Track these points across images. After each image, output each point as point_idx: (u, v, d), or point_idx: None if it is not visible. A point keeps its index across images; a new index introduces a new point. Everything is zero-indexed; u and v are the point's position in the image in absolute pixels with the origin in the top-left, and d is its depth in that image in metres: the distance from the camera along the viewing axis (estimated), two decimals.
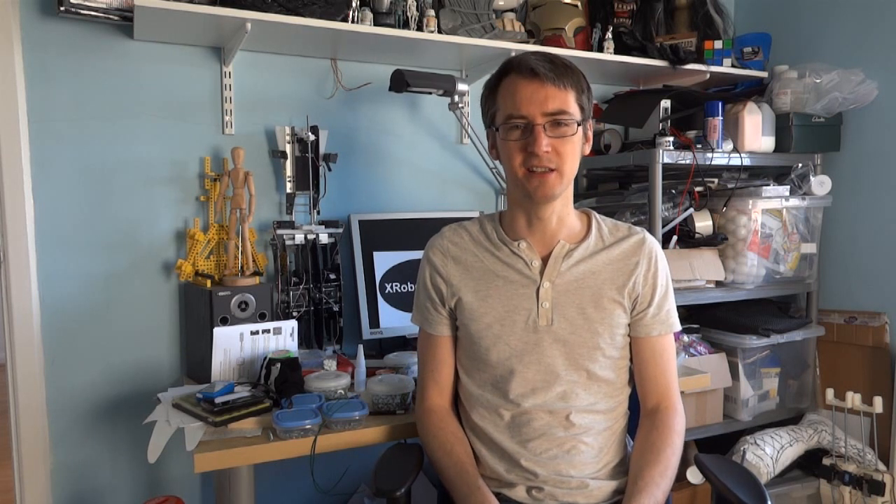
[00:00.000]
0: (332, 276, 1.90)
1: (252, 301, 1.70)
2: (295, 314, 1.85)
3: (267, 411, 1.40)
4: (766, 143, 2.24)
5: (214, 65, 1.90)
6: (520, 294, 1.25)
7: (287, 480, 2.03)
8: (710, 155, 2.08)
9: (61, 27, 1.73)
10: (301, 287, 1.87)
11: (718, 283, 2.18)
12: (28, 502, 1.73)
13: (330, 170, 1.98)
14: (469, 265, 1.29)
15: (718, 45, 2.32)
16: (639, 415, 1.30)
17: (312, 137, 1.92)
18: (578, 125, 1.20)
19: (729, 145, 2.17)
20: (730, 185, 2.21)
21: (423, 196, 2.22)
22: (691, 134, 2.12)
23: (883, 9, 2.21)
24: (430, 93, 1.98)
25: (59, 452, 1.77)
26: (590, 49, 2.20)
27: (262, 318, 1.71)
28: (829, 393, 2.18)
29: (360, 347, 1.66)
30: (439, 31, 1.97)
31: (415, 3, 1.95)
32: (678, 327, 1.30)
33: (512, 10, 2.20)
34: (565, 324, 1.23)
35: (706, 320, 2.26)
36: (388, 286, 2.00)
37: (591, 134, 1.27)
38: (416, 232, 1.99)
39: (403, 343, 1.96)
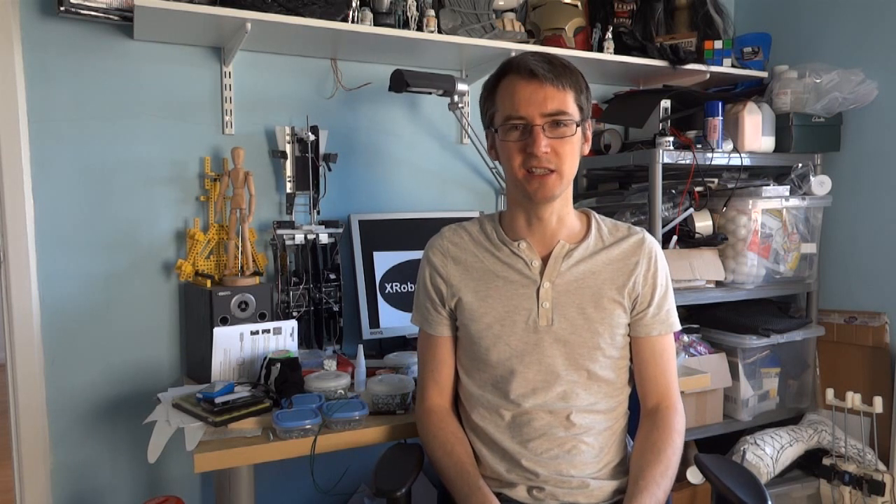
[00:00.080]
0: (332, 276, 1.90)
1: (252, 301, 1.70)
2: (295, 314, 1.85)
3: (267, 411, 1.40)
4: (766, 143, 2.24)
5: (214, 65, 1.90)
6: (520, 294, 1.25)
7: (287, 480, 2.03)
8: (710, 155, 2.08)
9: (61, 27, 1.73)
10: (301, 287, 1.87)
11: (718, 283, 2.18)
12: (28, 502, 1.73)
13: (330, 170, 1.98)
14: (469, 265, 1.29)
15: (718, 45, 2.32)
16: (639, 415, 1.30)
17: (312, 137, 1.92)
18: (577, 125, 1.20)
19: (729, 145, 2.17)
20: (730, 185, 2.21)
21: (423, 196, 2.22)
22: (691, 134, 2.12)
23: (883, 9, 2.21)
24: (430, 93, 1.98)
25: (59, 452, 1.77)
26: (590, 49, 2.20)
27: (262, 318, 1.71)
28: (829, 393, 2.18)
29: (360, 347, 1.66)
30: (439, 31, 1.96)
31: (415, 3, 1.95)
32: (678, 327, 1.31)
33: (512, 10, 2.20)
34: (565, 324, 1.24)
35: (706, 320, 2.26)
36: (388, 286, 2.00)
37: (590, 134, 1.28)
38: (416, 232, 1.99)
39: (403, 343, 1.96)
